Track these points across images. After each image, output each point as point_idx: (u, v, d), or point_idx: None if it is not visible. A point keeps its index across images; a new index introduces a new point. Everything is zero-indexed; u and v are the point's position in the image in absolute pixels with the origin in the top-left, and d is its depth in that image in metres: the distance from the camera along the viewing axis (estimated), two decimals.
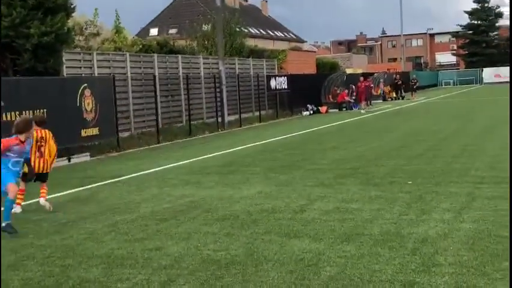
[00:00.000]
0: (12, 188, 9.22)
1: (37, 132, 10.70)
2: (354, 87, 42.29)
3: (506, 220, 8.27)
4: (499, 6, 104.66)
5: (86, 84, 19.62)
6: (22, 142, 9.43)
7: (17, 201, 10.35)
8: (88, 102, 19.55)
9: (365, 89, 40.34)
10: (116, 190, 13.00)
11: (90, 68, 23.16)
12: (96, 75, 22.88)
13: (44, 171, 11.04)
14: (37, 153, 10.82)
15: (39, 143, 10.85)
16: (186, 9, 74.14)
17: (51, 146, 11.12)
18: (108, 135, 21.13)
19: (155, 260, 7.38)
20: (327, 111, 40.08)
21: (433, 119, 28.69)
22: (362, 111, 37.09)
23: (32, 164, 10.33)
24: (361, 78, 41.63)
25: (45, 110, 16.64)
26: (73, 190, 13.09)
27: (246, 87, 34.60)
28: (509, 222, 7.97)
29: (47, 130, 11.09)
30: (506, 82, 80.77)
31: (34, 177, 10.53)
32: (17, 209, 10.32)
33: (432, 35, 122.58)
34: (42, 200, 10.95)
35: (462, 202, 9.64)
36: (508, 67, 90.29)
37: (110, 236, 8.80)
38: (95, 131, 19.95)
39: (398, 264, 6.71)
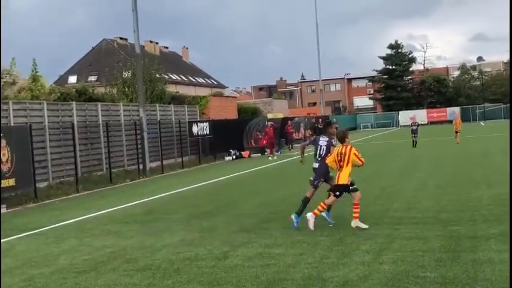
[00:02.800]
0: None
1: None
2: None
3: (423, 260, 8.48)
4: (412, 52, 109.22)
5: (1, 135, 19.09)
6: None
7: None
8: (4, 153, 19.00)
9: (274, 134, 38.96)
10: (34, 243, 12.60)
11: (6, 117, 22.55)
12: (12, 124, 22.30)
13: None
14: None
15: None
16: (106, 56, 73.76)
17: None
18: (25, 186, 20.55)
19: None
20: (249, 156, 40.33)
21: None
22: (270, 158, 35.93)
23: None
24: (269, 124, 40.10)
25: None
26: None
27: (167, 134, 34.47)
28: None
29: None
30: (422, 124, 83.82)
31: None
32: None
33: (349, 80, 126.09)
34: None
35: (381, 243, 9.83)
36: (424, 110, 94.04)
37: None
38: (11, 181, 19.38)
39: None
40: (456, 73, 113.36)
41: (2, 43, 23.39)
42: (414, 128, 37.54)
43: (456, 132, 38.16)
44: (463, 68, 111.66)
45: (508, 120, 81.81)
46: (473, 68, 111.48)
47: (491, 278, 7.39)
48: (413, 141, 36.92)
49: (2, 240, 13.05)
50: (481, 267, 7.92)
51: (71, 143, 24.67)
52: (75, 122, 25.90)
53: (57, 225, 14.96)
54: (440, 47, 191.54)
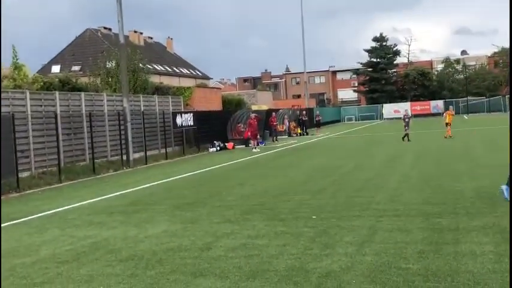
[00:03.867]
0: None
1: None
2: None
3: (405, 252, 8.52)
4: (396, 45, 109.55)
5: None
6: None
7: None
8: None
9: (257, 126, 38.41)
10: (16, 232, 12.52)
11: None
12: None
13: None
14: None
15: None
16: (89, 46, 73.31)
17: None
18: (7, 176, 20.38)
19: None
20: (233, 148, 40.31)
21: (336, 154, 29.37)
22: (254, 149, 35.78)
23: None
24: (252, 115, 39.53)
25: None
26: None
27: (151, 124, 34.34)
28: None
29: None
30: None
31: None
32: None
33: (334, 72, 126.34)
34: None
35: (364, 235, 9.86)
36: (408, 102, 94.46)
37: (8, 281, 8.43)
38: None
39: None
40: (440, 66, 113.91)
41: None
42: (407, 120, 36.17)
43: (447, 124, 36.56)
44: (446, 62, 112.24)
45: (490, 113, 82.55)
46: (457, 61, 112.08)
47: (473, 270, 7.45)
48: (405, 135, 35.56)
49: None
50: (463, 259, 7.98)
51: (53, 133, 24.51)
52: (58, 112, 25.73)
53: (39, 215, 14.87)
54: (424, 40, 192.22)
